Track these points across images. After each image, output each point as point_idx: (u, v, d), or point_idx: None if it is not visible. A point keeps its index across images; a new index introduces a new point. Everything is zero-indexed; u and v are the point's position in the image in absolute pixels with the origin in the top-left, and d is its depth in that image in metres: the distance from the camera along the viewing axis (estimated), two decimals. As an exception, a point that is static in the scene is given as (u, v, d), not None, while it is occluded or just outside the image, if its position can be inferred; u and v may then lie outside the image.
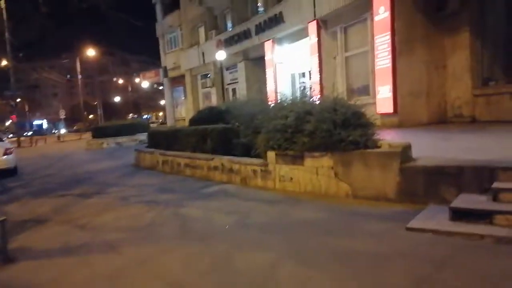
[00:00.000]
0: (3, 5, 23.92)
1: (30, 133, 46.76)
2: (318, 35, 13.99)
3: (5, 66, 37.56)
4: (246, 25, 18.38)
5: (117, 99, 70.76)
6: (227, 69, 21.56)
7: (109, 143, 19.73)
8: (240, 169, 7.07)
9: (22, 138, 31.31)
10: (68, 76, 71.08)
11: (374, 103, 11.15)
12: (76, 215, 5.76)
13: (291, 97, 7.32)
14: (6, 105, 34.69)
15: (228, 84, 21.81)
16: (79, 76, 42.44)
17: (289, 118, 6.12)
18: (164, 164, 9.59)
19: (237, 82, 20.85)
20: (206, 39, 23.05)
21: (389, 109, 10.86)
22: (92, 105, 64.95)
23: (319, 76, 14.15)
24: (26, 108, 63.26)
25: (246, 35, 18.45)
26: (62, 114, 36.10)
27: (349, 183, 5.35)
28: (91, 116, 69.02)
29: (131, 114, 70.21)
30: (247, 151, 7.25)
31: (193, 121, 9.78)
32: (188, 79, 25.41)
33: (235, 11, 20.07)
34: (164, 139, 10.17)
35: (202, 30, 24.02)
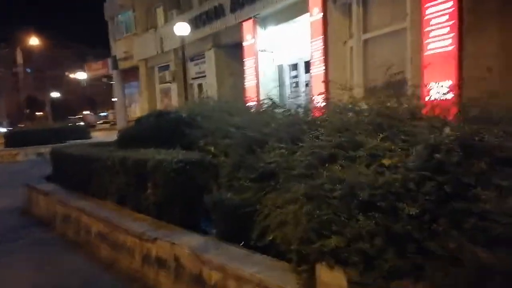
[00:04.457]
0: None
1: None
2: (324, 9, 9.80)
3: None
4: (218, -1, 13.89)
5: (69, 94, 63.60)
6: (192, 59, 16.94)
7: (27, 153, 14.53)
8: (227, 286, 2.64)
9: None
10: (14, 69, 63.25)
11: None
12: None
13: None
14: None
15: (193, 78, 17.20)
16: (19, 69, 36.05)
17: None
18: (66, 221, 4.97)
19: (205, 76, 16.31)
20: (166, 21, 18.26)
21: (452, 118, 6.85)
22: (40, 101, 57.63)
23: (323, 67, 9.97)
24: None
25: (217, 13, 13.96)
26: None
27: None
28: (39, 114, 61.67)
29: (86, 112, 63.36)
30: (241, 221, 2.90)
31: (126, 139, 5.19)
32: (142, 71, 20.44)
33: (203, -16, 15.50)
34: (75, 169, 5.51)
35: (160, 11, 19.17)
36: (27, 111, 49.91)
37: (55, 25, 76.40)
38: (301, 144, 2.51)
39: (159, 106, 19.09)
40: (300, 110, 3.71)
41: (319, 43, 9.99)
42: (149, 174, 3.78)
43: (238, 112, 4.51)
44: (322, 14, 9.77)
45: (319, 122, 2.84)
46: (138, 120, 5.30)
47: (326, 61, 9.90)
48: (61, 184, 5.82)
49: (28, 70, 59.33)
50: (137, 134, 5.18)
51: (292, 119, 3.29)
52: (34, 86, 58.91)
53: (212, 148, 3.96)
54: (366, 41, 9.38)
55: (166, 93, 19.74)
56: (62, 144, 13.24)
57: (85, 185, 5.14)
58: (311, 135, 2.59)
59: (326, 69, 9.89)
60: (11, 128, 39.18)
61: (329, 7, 9.76)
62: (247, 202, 2.90)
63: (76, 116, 44.36)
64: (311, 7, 10.06)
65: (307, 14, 10.29)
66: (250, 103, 6.43)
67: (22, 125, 34.41)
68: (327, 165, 2.14)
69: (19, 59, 40.13)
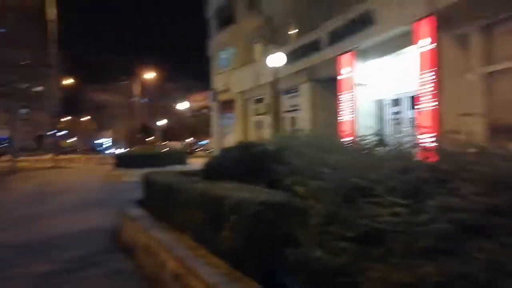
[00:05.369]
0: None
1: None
2: (436, 40, 8.75)
3: (67, 85, 36.94)
4: (315, 33, 13.65)
5: (175, 123, 69.69)
6: (287, 93, 16.87)
7: (131, 175, 15.69)
8: None
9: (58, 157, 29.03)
10: (132, 99, 72.24)
11: None
12: None
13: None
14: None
15: (287, 111, 17.02)
16: (136, 99, 40.95)
17: None
18: (145, 252, 4.77)
19: (298, 109, 16.01)
20: (263, 56, 18.68)
21: None
22: (151, 128, 64.22)
23: (435, 103, 8.78)
24: (95, 126, 64.03)
25: (314, 47, 13.70)
26: (109, 135, 34.09)
27: None
28: (150, 139, 68.20)
29: (191, 138, 67.81)
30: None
31: (208, 171, 4.91)
32: (238, 103, 21.10)
33: (299, 18, 15.54)
34: (161, 197, 5.40)
35: (258, 47, 19.79)
36: (140, 136, 55.89)
37: (167, 61, 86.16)
38: (430, 202, 1.77)
39: (252, 137, 19.30)
40: (415, 151, 2.94)
41: (429, 76, 8.88)
42: (226, 214, 3.33)
43: (333, 149, 3.88)
44: (434, 44, 8.73)
45: (451, 171, 2.07)
46: (222, 153, 5.01)
47: (438, 95, 8.71)
48: (150, 210, 5.77)
49: (146, 100, 66.85)
50: (221, 166, 4.86)
51: (407, 163, 2.54)
52: (147, 114, 66.16)
53: (301, 189, 3.37)
54: (490, 75, 8.03)
55: (259, 125, 19.94)
56: (162, 168, 14.00)
57: (168, 215, 4.95)
58: (441, 189, 1.84)
59: (438, 105, 8.68)
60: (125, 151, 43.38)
61: (442, 37, 8.69)
62: (342, 268, 2.21)
63: (163, 143, 47.19)
64: (421, 38, 9.08)
65: (412, 46, 9.32)
66: (346, 140, 5.72)
67: (134, 148, 38.14)
68: (478, 240, 1.39)
69: (136, 90, 46.38)
